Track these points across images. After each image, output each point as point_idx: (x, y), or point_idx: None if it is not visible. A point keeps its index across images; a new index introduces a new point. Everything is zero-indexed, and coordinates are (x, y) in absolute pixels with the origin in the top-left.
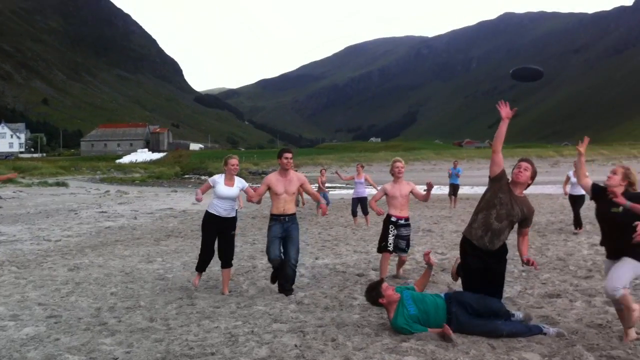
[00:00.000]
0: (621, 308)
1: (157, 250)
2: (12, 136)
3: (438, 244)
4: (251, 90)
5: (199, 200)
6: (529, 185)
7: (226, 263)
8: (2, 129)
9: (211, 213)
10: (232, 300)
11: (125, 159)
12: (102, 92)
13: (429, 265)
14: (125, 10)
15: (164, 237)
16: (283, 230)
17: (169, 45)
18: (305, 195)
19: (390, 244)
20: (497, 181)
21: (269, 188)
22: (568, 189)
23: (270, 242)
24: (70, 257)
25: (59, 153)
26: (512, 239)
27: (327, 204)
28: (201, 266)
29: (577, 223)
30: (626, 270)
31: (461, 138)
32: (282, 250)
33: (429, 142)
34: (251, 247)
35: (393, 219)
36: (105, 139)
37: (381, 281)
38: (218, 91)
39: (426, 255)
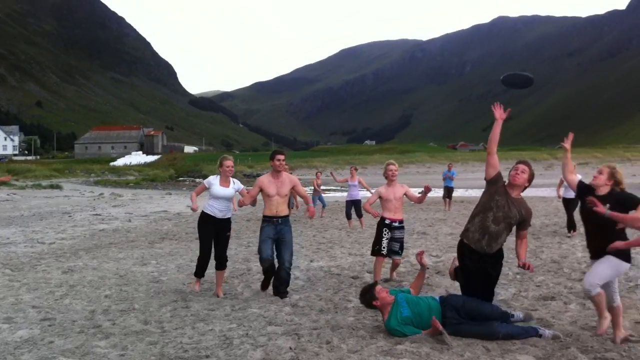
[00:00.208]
0: (617, 307)
1: (151, 253)
2: (5, 139)
3: (432, 247)
4: (246, 93)
5: (194, 210)
6: (525, 187)
7: (221, 265)
8: None
9: (207, 214)
10: (227, 303)
11: (120, 162)
12: (96, 94)
13: (422, 266)
14: (119, 13)
15: (158, 239)
16: (276, 232)
17: (163, 48)
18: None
19: (384, 247)
20: (493, 183)
21: (261, 190)
22: (562, 192)
23: (262, 243)
24: (64, 259)
25: (53, 156)
26: (508, 241)
27: (323, 206)
28: (201, 271)
29: (571, 226)
30: (606, 267)
31: (455, 141)
32: (274, 252)
33: (423, 145)
34: (246, 249)
35: (387, 221)
36: (99, 141)
37: (375, 284)
38: (212, 94)
39: (418, 255)
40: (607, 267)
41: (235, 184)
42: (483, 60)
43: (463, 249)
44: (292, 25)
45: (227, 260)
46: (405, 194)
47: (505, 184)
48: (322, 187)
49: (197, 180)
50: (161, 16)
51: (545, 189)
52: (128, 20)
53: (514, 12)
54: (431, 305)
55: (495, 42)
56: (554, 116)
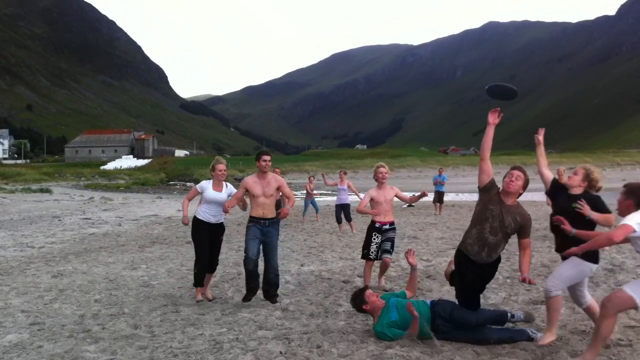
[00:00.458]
0: (588, 308)
1: (141, 257)
2: None
3: (423, 251)
4: (237, 97)
5: (185, 223)
6: (520, 194)
7: (212, 268)
8: None
9: (201, 220)
10: (217, 307)
11: (110, 166)
12: (87, 98)
13: (412, 266)
14: (110, 17)
15: (149, 243)
16: (262, 234)
17: (154, 52)
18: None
19: (372, 252)
20: (486, 191)
21: (247, 191)
22: None
23: (248, 242)
24: (54, 263)
25: (43, 159)
26: (509, 243)
27: (316, 211)
28: (200, 279)
29: None
30: (569, 268)
31: (447, 145)
32: (260, 252)
33: (414, 150)
34: (236, 253)
35: (377, 225)
36: (89, 145)
37: (365, 288)
38: (203, 98)
39: (407, 253)
40: (570, 268)
41: (228, 188)
42: (474, 65)
43: (461, 259)
44: (284, 29)
45: (217, 264)
46: (396, 196)
47: (500, 190)
48: (314, 192)
49: (188, 184)
50: (152, 20)
51: (535, 193)
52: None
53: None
54: (421, 310)
55: (486, 47)
56: (544, 121)
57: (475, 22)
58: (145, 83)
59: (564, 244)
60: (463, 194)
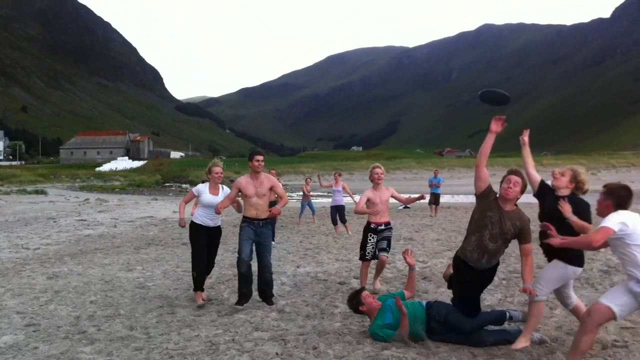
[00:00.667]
0: (574, 309)
1: (137, 259)
2: None
3: (419, 252)
4: (232, 98)
5: (182, 226)
6: (518, 198)
7: (208, 270)
8: None
9: (199, 224)
10: (213, 309)
11: (105, 167)
12: (82, 100)
13: (410, 266)
14: (105, 19)
15: (144, 245)
16: (256, 234)
17: (149, 54)
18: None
19: (368, 252)
20: (484, 198)
21: (239, 191)
22: None
23: (242, 243)
24: (49, 265)
25: (38, 161)
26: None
27: (313, 213)
28: (200, 284)
29: None
30: (552, 272)
31: (442, 147)
32: (253, 253)
33: (410, 151)
34: (232, 255)
35: (372, 226)
36: (84, 146)
37: (362, 289)
38: (199, 99)
39: (405, 253)
40: (554, 272)
41: (224, 191)
42: (469, 67)
43: (460, 265)
44: (279, 31)
45: (213, 266)
46: (392, 196)
47: (497, 196)
48: (310, 193)
49: (184, 185)
50: (147, 22)
51: (530, 195)
52: (114, 25)
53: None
54: (416, 313)
55: (481, 49)
56: (539, 123)
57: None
58: (141, 85)
59: (549, 248)
60: (459, 195)
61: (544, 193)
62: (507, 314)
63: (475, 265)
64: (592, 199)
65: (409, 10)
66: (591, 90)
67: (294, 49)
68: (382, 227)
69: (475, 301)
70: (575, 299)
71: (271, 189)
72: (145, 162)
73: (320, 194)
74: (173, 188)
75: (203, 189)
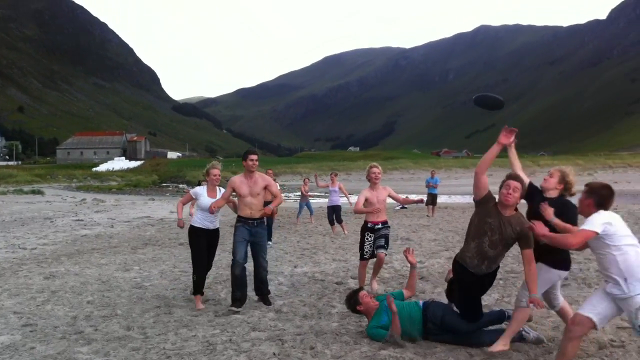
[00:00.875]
0: (561, 310)
1: (134, 259)
2: None
3: (416, 253)
4: (230, 99)
5: (181, 226)
6: (517, 204)
7: (207, 271)
8: None
9: (198, 227)
10: (210, 309)
11: (102, 167)
12: (79, 100)
13: (411, 264)
14: (102, 19)
15: (141, 245)
16: (250, 235)
17: (146, 54)
18: (281, 204)
19: (366, 252)
20: (483, 204)
21: (234, 190)
22: None
23: (236, 244)
24: (46, 265)
25: (35, 161)
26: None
27: (311, 213)
28: (200, 288)
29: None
30: (538, 276)
31: (439, 148)
32: (248, 255)
33: (407, 152)
34: (229, 255)
35: (369, 225)
36: (81, 147)
37: (360, 289)
38: (196, 100)
39: (406, 251)
40: (539, 276)
41: (223, 193)
42: (466, 68)
43: (460, 270)
44: (276, 32)
45: (211, 267)
46: (389, 196)
47: (497, 202)
48: (309, 194)
49: (181, 185)
50: (144, 23)
51: None
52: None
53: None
54: (412, 314)
55: (478, 50)
56: (536, 124)
57: (467, 26)
58: (138, 85)
59: (535, 251)
60: (456, 196)
61: (532, 195)
62: (506, 313)
63: (475, 271)
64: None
65: (407, 12)
66: (588, 91)
67: (291, 49)
68: (380, 225)
69: (477, 305)
70: (561, 300)
71: (265, 188)
72: (142, 162)
73: (318, 194)
74: (170, 188)
75: (201, 191)
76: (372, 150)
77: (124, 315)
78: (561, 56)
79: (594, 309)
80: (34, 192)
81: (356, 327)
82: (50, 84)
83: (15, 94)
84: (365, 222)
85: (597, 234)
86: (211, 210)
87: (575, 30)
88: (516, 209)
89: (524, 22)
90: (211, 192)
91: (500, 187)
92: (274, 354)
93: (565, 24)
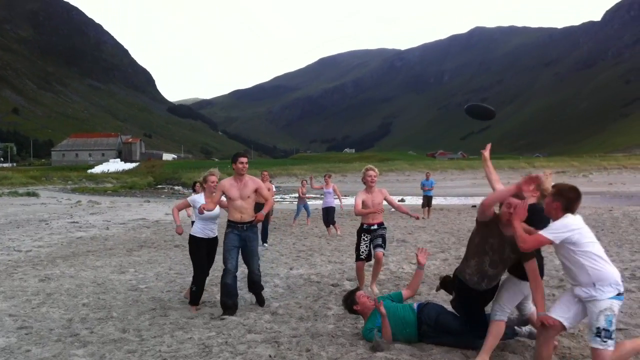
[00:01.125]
0: (530, 317)
1: (129, 261)
2: None
3: (412, 254)
4: (225, 100)
5: (180, 233)
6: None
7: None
8: None
9: (200, 237)
10: (206, 311)
11: (97, 169)
12: (74, 101)
13: (420, 265)
14: (97, 21)
15: (137, 247)
16: (240, 240)
17: (141, 56)
18: (276, 206)
19: (362, 252)
20: (485, 225)
21: (223, 194)
22: None
23: (227, 252)
24: (41, 267)
25: (30, 163)
26: None
27: (308, 215)
28: (197, 298)
29: None
30: (507, 289)
31: (434, 149)
32: (239, 261)
33: (402, 153)
34: None
35: (365, 226)
36: (76, 148)
37: (357, 289)
38: (191, 101)
39: (419, 250)
40: (509, 288)
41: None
42: (461, 69)
43: (459, 285)
44: (272, 33)
45: (209, 274)
46: (384, 199)
47: (498, 220)
48: (305, 195)
49: (176, 187)
50: (139, 24)
51: None
52: (105, 27)
53: (490, 22)
54: (406, 317)
55: (473, 52)
56: (531, 125)
57: (462, 27)
58: (133, 86)
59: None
60: (451, 197)
61: None
62: None
63: (474, 287)
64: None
65: (402, 14)
66: (583, 93)
67: (286, 50)
68: (375, 227)
69: (479, 313)
70: (531, 308)
71: (256, 191)
72: (137, 164)
73: (314, 195)
74: (165, 190)
75: (199, 199)
76: (367, 152)
77: (120, 318)
78: (556, 58)
79: (564, 313)
80: (28, 194)
81: (352, 329)
82: (45, 85)
83: (9, 96)
84: (362, 224)
85: (551, 242)
86: (200, 211)
87: (570, 32)
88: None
89: (519, 24)
90: (209, 199)
91: (501, 205)
92: (270, 356)
93: (560, 26)
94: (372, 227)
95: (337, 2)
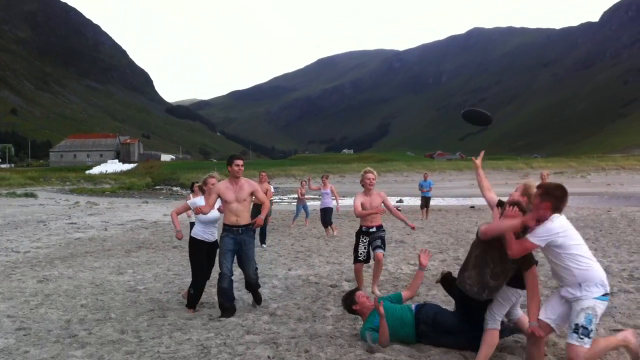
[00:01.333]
0: (518, 321)
1: (127, 262)
2: None
3: (410, 255)
4: (223, 101)
5: (179, 238)
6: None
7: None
8: None
9: (201, 240)
10: (205, 312)
11: (95, 170)
12: (72, 102)
13: (421, 266)
14: (95, 21)
15: (135, 248)
16: (235, 243)
17: (139, 56)
18: (274, 207)
19: (361, 254)
20: (486, 242)
21: (219, 197)
22: None
23: (222, 256)
24: (40, 268)
25: (28, 164)
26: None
27: (307, 216)
28: (195, 302)
29: None
30: (500, 296)
31: (433, 150)
32: (234, 264)
33: (401, 154)
34: None
35: (364, 229)
36: (74, 149)
37: (357, 289)
38: (189, 102)
39: (422, 251)
40: (498, 296)
41: (219, 204)
42: (460, 70)
43: (458, 293)
44: (270, 34)
45: (209, 277)
46: (382, 203)
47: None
48: (304, 196)
49: (174, 188)
50: (137, 25)
51: None
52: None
53: (489, 23)
54: (404, 317)
55: (472, 52)
56: (530, 126)
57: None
58: (131, 87)
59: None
60: (449, 198)
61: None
62: None
63: (475, 297)
64: (578, 201)
65: (401, 14)
66: (581, 94)
67: (285, 51)
68: (374, 229)
69: (478, 314)
70: (518, 314)
71: (252, 194)
72: (135, 164)
73: (312, 196)
74: (164, 191)
75: (199, 202)
76: (366, 153)
77: (118, 319)
78: (554, 58)
79: (552, 315)
80: (27, 195)
81: (351, 329)
82: (43, 86)
83: (8, 96)
84: (361, 226)
85: (537, 246)
86: (196, 212)
87: (568, 33)
88: (518, 236)
89: (517, 25)
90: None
91: (501, 215)
92: (269, 357)
93: (558, 27)
94: (370, 230)
95: (335, 3)
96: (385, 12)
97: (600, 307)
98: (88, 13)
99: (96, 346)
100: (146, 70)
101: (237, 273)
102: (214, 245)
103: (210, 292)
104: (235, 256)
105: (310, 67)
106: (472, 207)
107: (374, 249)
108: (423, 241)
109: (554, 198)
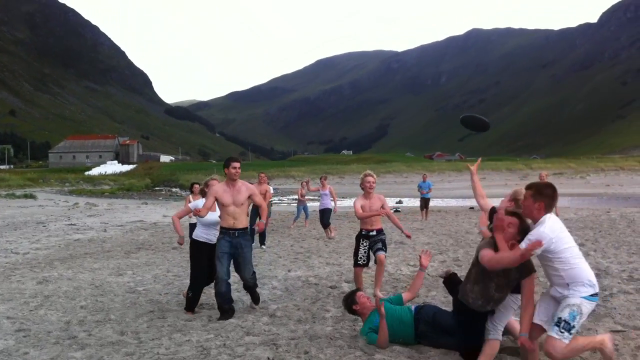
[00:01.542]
0: (508, 327)
1: (127, 263)
2: None
3: (410, 256)
4: (222, 102)
5: (181, 244)
6: (516, 239)
7: (209, 281)
8: None
9: (202, 242)
10: (204, 313)
11: (95, 171)
12: (71, 103)
13: (422, 267)
14: (94, 22)
15: (135, 249)
16: (232, 246)
17: (138, 57)
18: (274, 208)
19: (361, 257)
20: None
21: (216, 199)
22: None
23: (218, 260)
24: (39, 270)
25: (27, 165)
26: None
27: (306, 217)
28: (194, 305)
29: None
30: (502, 305)
31: (432, 151)
32: (231, 268)
33: (400, 155)
34: None
35: (364, 232)
36: (73, 150)
37: (358, 289)
38: (188, 103)
39: (423, 252)
40: (500, 307)
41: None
42: (458, 71)
43: (463, 307)
44: (269, 35)
45: (211, 281)
46: (382, 207)
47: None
48: (304, 197)
49: (174, 189)
50: (136, 26)
51: None
52: (102, 28)
53: (487, 24)
54: (404, 317)
55: (470, 53)
56: (529, 126)
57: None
58: (130, 88)
59: None
60: (449, 199)
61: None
62: None
63: (478, 309)
64: (577, 202)
65: (400, 15)
66: (580, 94)
67: (283, 52)
68: (375, 232)
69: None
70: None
71: (249, 197)
72: (134, 166)
73: (313, 197)
74: (163, 192)
75: (200, 205)
76: (365, 154)
77: (118, 320)
78: (553, 59)
79: (543, 316)
80: (26, 196)
81: (350, 331)
82: (42, 87)
83: (6, 97)
84: (361, 230)
85: (532, 254)
86: (195, 213)
87: (566, 34)
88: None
89: (516, 26)
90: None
91: (490, 224)
92: (268, 358)
93: (556, 27)
94: (371, 233)
95: (333, 3)
96: (384, 12)
97: (587, 306)
98: (86, 14)
99: (96, 347)
100: (145, 71)
101: (236, 275)
102: (214, 246)
103: (210, 293)
104: (232, 260)
105: (309, 68)
106: (472, 208)
107: (375, 251)
108: (423, 242)
109: (546, 197)
